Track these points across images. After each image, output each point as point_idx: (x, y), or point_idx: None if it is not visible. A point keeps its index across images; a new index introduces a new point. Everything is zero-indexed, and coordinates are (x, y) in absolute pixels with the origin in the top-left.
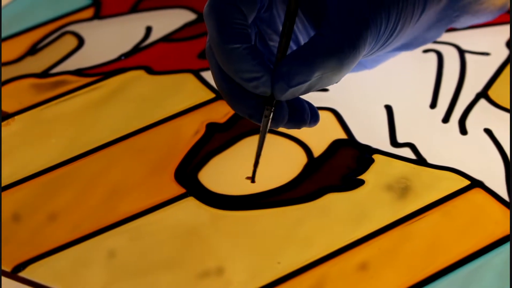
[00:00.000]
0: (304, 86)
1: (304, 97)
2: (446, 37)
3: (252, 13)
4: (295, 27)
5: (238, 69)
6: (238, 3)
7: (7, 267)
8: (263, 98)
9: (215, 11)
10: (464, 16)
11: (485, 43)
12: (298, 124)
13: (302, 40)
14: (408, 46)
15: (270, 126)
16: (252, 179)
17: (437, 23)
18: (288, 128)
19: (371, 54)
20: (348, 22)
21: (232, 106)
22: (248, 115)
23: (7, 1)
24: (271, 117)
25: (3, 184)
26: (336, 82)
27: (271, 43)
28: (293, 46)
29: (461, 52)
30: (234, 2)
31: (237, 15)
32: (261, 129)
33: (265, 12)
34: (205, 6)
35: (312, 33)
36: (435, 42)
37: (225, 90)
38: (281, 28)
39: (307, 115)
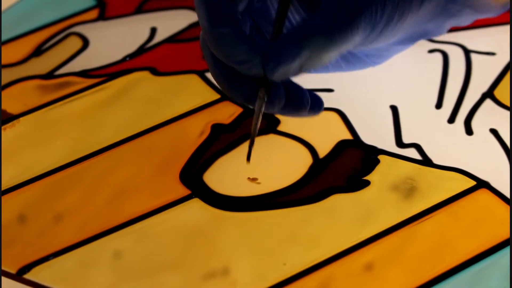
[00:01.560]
0: (295, 65)
1: None
2: (451, 37)
3: (243, 0)
4: (290, 16)
5: (230, 52)
6: None
7: (12, 269)
8: (257, 81)
9: None
10: (466, 11)
11: (491, 43)
12: (297, 109)
13: None
14: (409, 40)
15: (267, 110)
16: (248, 158)
17: (439, 16)
18: (288, 114)
19: (371, 44)
20: (340, 6)
21: (228, 92)
22: (245, 100)
23: (11, 2)
24: (265, 99)
25: (8, 186)
26: (329, 63)
27: (268, 36)
28: None
29: (467, 52)
30: None
31: (227, 0)
32: (255, 110)
33: (259, 2)
34: None
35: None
36: (440, 42)
37: (220, 77)
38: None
39: (307, 100)
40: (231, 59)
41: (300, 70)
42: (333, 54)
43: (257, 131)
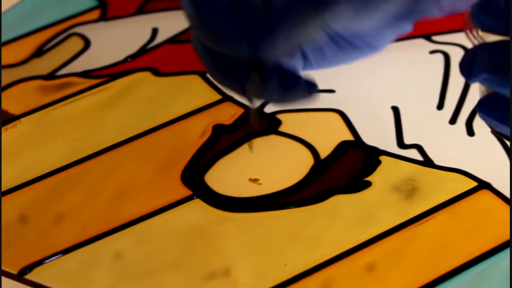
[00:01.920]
0: (282, 39)
1: None
2: (452, 38)
3: None
4: None
5: (217, 35)
6: None
7: (13, 270)
8: (249, 67)
9: None
10: None
11: None
12: (294, 91)
13: None
14: (403, 17)
15: (264, 96)
16: (250, 146)
17: None
18: (285, 100)
19: (361, 18)
20: None
21: (223, 84)
22: (240, 88)
23: (13, 3)
24: (258, 82)
25: (10, 186)
26: (317, 36)
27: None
28: None
29: None
30: None
31: None
32: (247, 95)
33: None
34: None
35: None
36: (442, 43)
37: (214, 69)
38: None
39: (303, 83)
40: (219, 42)
41: (290, 47)
42: (318, 24)
43: (254, 119)
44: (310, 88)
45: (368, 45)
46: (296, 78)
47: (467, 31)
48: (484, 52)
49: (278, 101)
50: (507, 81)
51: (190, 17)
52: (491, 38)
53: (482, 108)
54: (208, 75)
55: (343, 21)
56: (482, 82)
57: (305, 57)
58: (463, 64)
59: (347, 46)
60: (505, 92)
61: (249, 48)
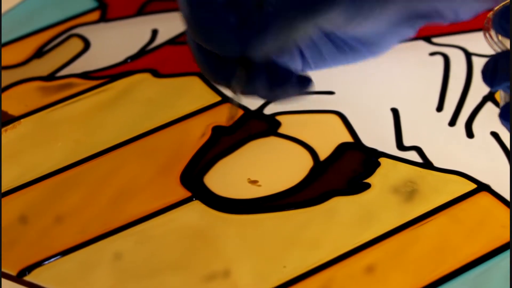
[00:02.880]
0: (272, 38)
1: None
2: (452, 40)
3: None
4: None
5: (207, 33)
6: None
7: (12, 271)
8: (236, 63)
9: None
10: None
11: None
12: (284, 88)
13: None
14: (401, 22)
15: (251, 92)
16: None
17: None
18: (277, 96)
19: (359, 23)
20: None
21: (212, 78)
22: (225, 82)
23: (13, 4)
24: (245, 79)
25: (10, 187)
26: (308, 37)
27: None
28: None
29: (468, 55)
30: None
31: None
32: (233, 90)
33: None
34: None
35: None
36: (442, 45)
37: (204, 64)
38: None
39: (295, 77)
40: (207, 37)
41: (279, 47)
42: (310, 27)
43: (236, 112)
44: (303, 84)
45: (367, 49)
46: (287, 75)
47: (487, 36)
48: (507, 60)
49: (268, 97)
50: None
51: (184, 15)
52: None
53: (503, 115)
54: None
55: (337, 26)
56: (505, 90)
57: (303, 57)
58: (485, 71)
59: (346, 48)
60: None
61: (237, 46)
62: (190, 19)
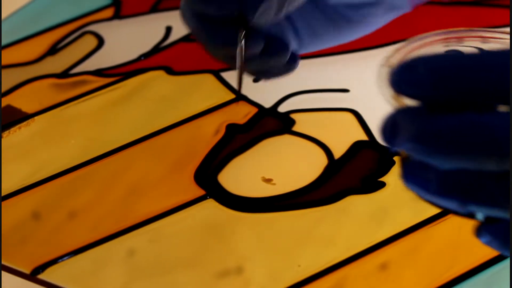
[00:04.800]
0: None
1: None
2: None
3: None
4: None
5: None
6: None
7: (26, 269)
8: (236, 26)
9: None
10: None
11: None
12: (275, 53)
13: None
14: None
15: (248, 48)
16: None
17: None
18: (267, 63)
19: None
20: None
21: (208, 44)
22: (223, 45)
23: (26, 1)
24: (243, 41)
25: (23, 185)
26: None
27: None
28: None
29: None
30: None
31: None
32: (237, 52)
33: None
34: None
35: None
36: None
37: (200, 29)
38: None
39: (286, 47)
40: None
41: (279, 10)
42: None
43: (242, 79)
44: (291, 60)
45: (361, 19)
46: (280, 45)
47: (383, 89)
48: (407, 118)
49: (258, 67)
50: (435, 149)
51: None
52: (408, 101)
53: (406, 176)
54: (224, 75)
55: None
56: (407, 151)
57: (297, 33)
58: (384, 130)
59: (339, 19)
60: (433, 161)
61: (236, 3)
62: None
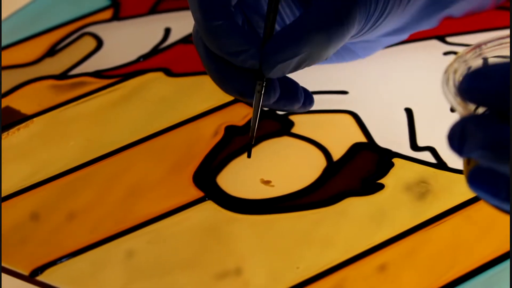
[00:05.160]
0: (293, 62)
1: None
2: (466, 39)
3: None
4: (282, 11)
5: (224, 43)
6: None
7: (25, 271)
8: (252, 74)
9: None
10: (458, 2)
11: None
12: (292, 101)
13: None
14: (400, 32)
15: (262, 101)
16: (248, 154)
17: (430, 7)
18: (282, 107)
19: (362, 35)
20: (336, 0)
21: (222, 86)
22: (239, 93)
23: (25, 2)
24: (263, 92)
25: (22, 186)
26: (325, 59)
27: (259, 30)
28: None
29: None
30: None
31: None
32: (254, 104)
33: None
34: None
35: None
36: (456, 44)
37: (214, 71)
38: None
39: (301, 93)
40: (226, 50)
41: (297, 68)
42: (331, 50)
43: (256, 126)
44: (307, 100)
45: (356, 54)
46: (296, 88)
47: (449, 96)
48: (475, 125)
49: (274, 107)
50: (506, 157)
51: (198, 20)
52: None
53: (473, 181)
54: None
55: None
56: (477, 158)
57: None
58: (452, 137)
59: (343, 53)
60: (503, 168)
61: (256, 61)
62: (203, 27)
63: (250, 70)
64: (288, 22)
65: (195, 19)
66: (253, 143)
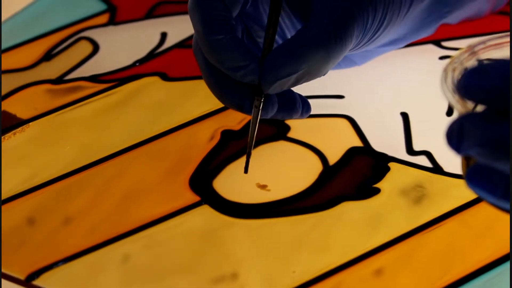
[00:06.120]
0: (292, 78)
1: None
2: (462, 43)
3: (236, 6)
4: (282, 22)
5: (225, 58)
6: None
7: (20, 275)
8: (251, 88)
9: (199, 5)
10: (455, 12)
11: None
12: (290, 112)
13: (289, 35)
14: (397, 42)
15: (260, 116)
16: (245, 169)
17: (427, 18)
18: (280, 118)
19: (359, 48)
20: (334, 15)
21: (221, 98)
22: (237, 107)
23: (21, 7)
24: (261, 107)
25: (18, 190)
26: (324, 74)
27: (259, 40)
28: (280, 41)
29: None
30: None
31: (221, 8)
32: (251, 120)
33: (251, 7)
34: (189, 1)
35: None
36: (452, 48)
37: (214, 84)
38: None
39: (299, 104)
40: (226, 65)
41: (296, 83)
42: (330, 66)
43: (254, 141)
44: (305, 108)
45: (353, 62)
46: (294, 99)
47: (448, 94)
48: (474, 123)
49: (273, 117)
50: (504, 155)
51: (198, 34)
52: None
53: (471, 179)
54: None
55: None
56: (474, 155)
57: None
58: (450, 135)
59: (340, 62)
60: (501, 166)
61: (255, 76)
62: (204, 40)
63: (249, 85)
64: (288, 33)
65: (196, 31)
66: (249, 158)
